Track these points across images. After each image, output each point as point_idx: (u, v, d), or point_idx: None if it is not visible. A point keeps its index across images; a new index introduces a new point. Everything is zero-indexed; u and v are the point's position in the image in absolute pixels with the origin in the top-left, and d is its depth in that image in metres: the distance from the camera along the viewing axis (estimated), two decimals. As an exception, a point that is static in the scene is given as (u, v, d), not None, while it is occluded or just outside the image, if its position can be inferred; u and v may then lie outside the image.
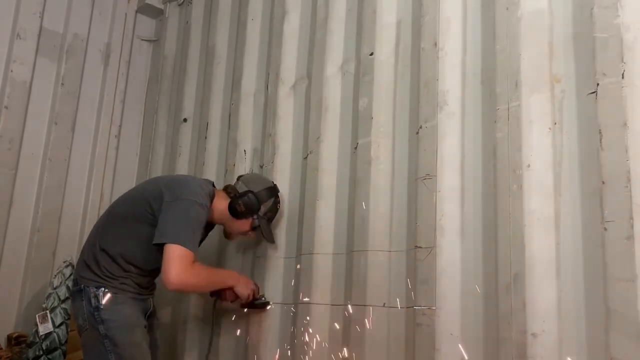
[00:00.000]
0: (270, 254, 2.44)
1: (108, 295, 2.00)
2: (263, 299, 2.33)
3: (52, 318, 2.61)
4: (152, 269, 2.07)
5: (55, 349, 2.58)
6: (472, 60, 1.96)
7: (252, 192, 2.18)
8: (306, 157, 2.41)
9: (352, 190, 2.20)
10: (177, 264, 1.88)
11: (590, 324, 1.53)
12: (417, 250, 1.91)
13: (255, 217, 2.20)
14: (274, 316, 2.36)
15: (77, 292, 2.06)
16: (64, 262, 2.79)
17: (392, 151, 2.13)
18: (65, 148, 3.24)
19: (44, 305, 2.66)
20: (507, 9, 1.85)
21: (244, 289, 2.21)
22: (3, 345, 2.81)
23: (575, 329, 1.56)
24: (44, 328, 2.58)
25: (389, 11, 2.25)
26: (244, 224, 2.21)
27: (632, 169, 1.50)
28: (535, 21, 1.79)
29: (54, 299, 2.66)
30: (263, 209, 2.21)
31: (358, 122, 2.24)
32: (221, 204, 2.17)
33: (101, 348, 1.97)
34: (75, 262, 2.88)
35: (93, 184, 3.35)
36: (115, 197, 3.42)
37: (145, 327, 2.10)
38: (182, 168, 3.15)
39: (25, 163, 3.06)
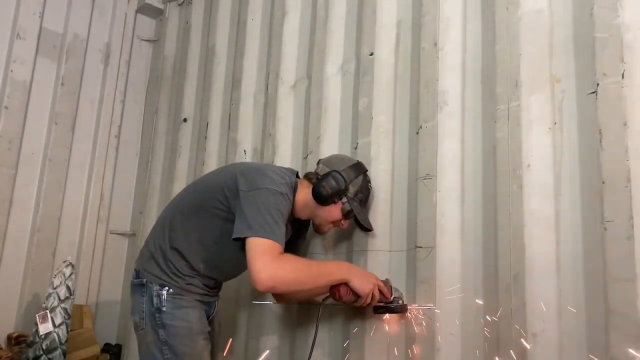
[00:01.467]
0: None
1: (172, 297, 1.82)
2: (400, 301, 1.86)
3: (52, 318, 2.60)
4: (224, 269, 1.89)
5: (55, 349, 2.57)
6: (472, 60, 1.96)
7: (336, 171, 1.88)
8: (306, 157, 2.41)
9: (352, 190, 2.19)
10: (262, 258, 1.62)
11: (590, 324, 1.53)
12: (417, 250, 1.91)
13: (344, 200, 1.90)
14: (275, 316, 2.36)
15: (138, 285, 1.87)
16: (64, 262, 2.78)
17: (392, 151, 2.13)
18: (65, 148, 3.24)
19: (44, 305, 2.66)
20: (507, 9, 1.85)
21: (361, 284, 1.78)
22: (3, 345, 2.81)
23: (575, 329, 1.56)
24: (44, 328, 2.58)
25: (389, 11, 2.25)
26: (333, 211, 1.90)
27: (632, 169, 1.50)
28: (535, 21, 1.79)
29: (54, 298, 2.66)
30: (352, 188, 1.89)
31: (358, 122, 2.23)
32: (305, 193, 1.89)
33: (158, 354, 1.81)
34: (75, 261, 2.89)
35: (93, 184, 3.36)
36: (115, 197, 3.47)
37: (208, 333, 1.92)
38: (182, 168, 3.15)
39: (25, 163, 3.07)
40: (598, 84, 1.59)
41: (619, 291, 1.46)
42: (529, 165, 1.71)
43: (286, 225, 1.80)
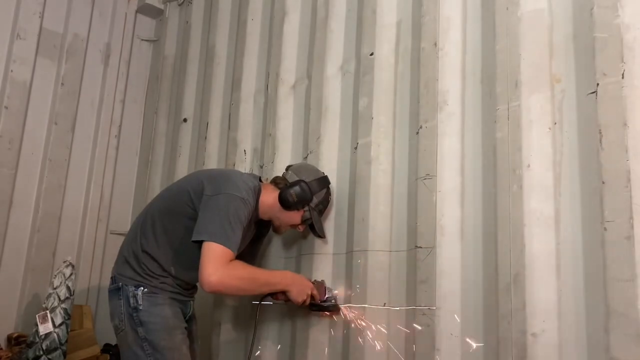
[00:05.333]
0: (271, 254, 2.44)
1: (147, 295, 1.92)
2: (333, 301, 2.08)
3: (52, 318, 2.60)
4: (193, 268, 1.91)
5: (55, 349, 2.57)
6: (472, 60, 1.96)
7: (304, 181, 2.04)
8: (306, 157, 2.41)
9: (352, 190, 2.20)
10: (214, 262, 1.76)
11: (590, 324, 1.53)
12: (417, 250, 1.91)
13: (306, 208, 2.05)
14: (273, 314, 2.36)
15: (115, 290, 1.97)
16: (64, 262, 2.78)
17: (392, 151, 2.13)
18: (65, 148, 3.24)
19: (44, 305, 2.66)
20: (507, 9, 1.85)
21: (297, 295, 1.98)
22: (3, 345, 2.81)
23: (575, 329, 1.56)
24: (44, 328, 2.58)
25: (389, 11, 2.25)
26: (294, 216, 2.06)
27: (632, 169, 1.50)
28: (535, 21, 1.79)
29: (54, 299, 2.65)
30: (315, 199, 2.06)
31: (358, 122, 2.23)
32: (269, 197, 2.03)
33: (140, 352, 1.89)
34: (75, 261, 2.89)
35: (93, 184, 3.35)
36: (115, 197, 3.47)
37: (185, 328, 2.01)
38: (182, 168, 3.15)
39: (25, 163, 3.06)
40: (598, 84, 1.59)
41: (618, 291, 1.47)
42: (529, 165, 1.71)
43: (249, 225, 1.99)
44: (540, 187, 1.69)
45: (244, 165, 2.71)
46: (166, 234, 1.96)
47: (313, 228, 2.12)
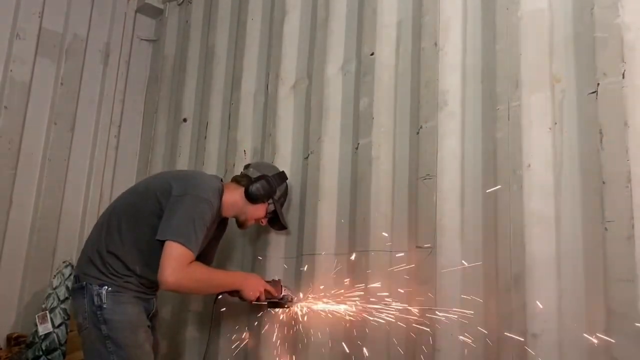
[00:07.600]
0: (271, 254, 2.44)
1: (111, 294, 1.95)
2: (289, 297, 2.20)
3: (51, 318, 2.60)
4: (156, 269, 1.94)
5: (54, 349, 2.57)
6: (472, 60, 1.96)
7: (267, 175, 2.18)
8: (307, 158, 2.41)
9: (353, 191, 2.20)
10: (173, 263, 1.83)
11: (590, 324, 1.53)
12: (417, 250, 1.91)
13: (270, 201, 2.19)
14: (274, 317, 2.36)
15: (79, 289, 1.99)
16: (64, 262, 2.79)
17: (393, 151, 2.13)
18: (65, 148, 3.24)
19: (43, 306, 2.66)
20: (507, 9, 1.85)
21: (249, 294, 2.09)
22: (3, 346, 2.81)
23: (575, 329, 1.56)
24: (43, 328, 2.58)
25: (389, 11, 2.25)
26: (259, 210, 2.19)
27: (632, 169, 1.50)
28: (535, 21, 1.79)
29: (54, 299, 2.66)
30: (278, 192, 2.22)
31: (359, 122, 2.24)
32: (233, 195, 2.14)
33: (102, 349, 1.92)
34: (75, 262, 2.89)
35: (93, 183, 3.36)
36: (115, 197, 3.45)
37: (148, 327, 2.05)
38: (182, 168, 3.14)
39: (25, 163, 3.07)
40: (598, 84, 1.60)
41: (619, 291, 1.47)
42: (529, 165, 1.71)
43: (213, 225, 2.07)
44: (540, 187, 1.69)
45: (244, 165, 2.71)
46: (131, 234, 1.99)
47: (273, 223, 2.28)
